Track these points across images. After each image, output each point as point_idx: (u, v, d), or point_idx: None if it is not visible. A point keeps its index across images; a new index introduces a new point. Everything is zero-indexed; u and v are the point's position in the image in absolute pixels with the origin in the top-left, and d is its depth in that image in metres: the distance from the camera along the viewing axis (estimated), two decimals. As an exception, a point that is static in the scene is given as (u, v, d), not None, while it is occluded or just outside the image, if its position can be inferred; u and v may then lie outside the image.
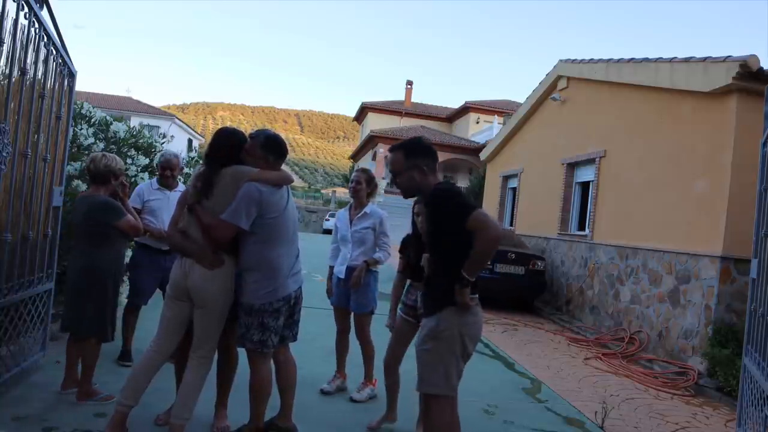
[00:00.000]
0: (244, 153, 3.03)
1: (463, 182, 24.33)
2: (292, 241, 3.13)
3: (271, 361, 3.16)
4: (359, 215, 4.29)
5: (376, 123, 33.66)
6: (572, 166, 10.17)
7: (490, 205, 14.24)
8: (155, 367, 3.05)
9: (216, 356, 3.22)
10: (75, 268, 3.57)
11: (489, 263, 8.53)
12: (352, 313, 4.27)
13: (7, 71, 3.12)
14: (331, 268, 4.48)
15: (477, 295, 2.65)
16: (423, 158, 2.71)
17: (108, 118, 6.69)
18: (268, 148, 3.04)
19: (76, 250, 3.62)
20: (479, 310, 2.68)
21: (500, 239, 2.46)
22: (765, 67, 5.97)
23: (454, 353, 2.59)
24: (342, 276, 4.28)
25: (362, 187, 4.28)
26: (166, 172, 4.49)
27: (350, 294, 4.19)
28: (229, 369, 3.39)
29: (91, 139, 5.94)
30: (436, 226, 2.61)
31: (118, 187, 3.67)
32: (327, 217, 31.39)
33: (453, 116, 34.46)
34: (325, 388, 4.25)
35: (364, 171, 4.39)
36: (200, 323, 3.02)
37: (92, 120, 6.32)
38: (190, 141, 34.23)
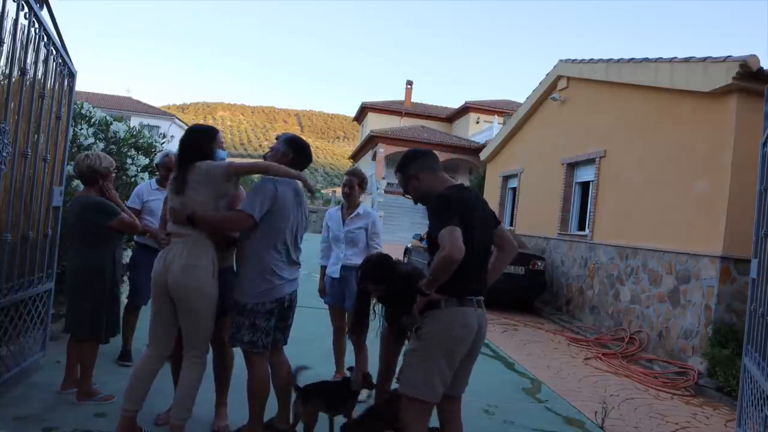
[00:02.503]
0: (270, 152, 3.18)
1: (463, 182, 24.21)
2: (294, 246, 3.12)
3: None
4: (352, 216, 4.31)
5: (376, 123, 33.59)
6: (572, 166, 10.17)
7: (490, 205, 14.20)
8: (153, 371, 3.02)
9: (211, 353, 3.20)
10: (71, 268, 3.58)
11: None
12: (347, 313, 4.27)
13: (7, 71, 3.12)
14: (323, 267, 4.48)
15: (476, 297, 2.64)
16: (413, 165, 2.80)
17: (108, 118, 6.70)
18: (289, 143, 3.18)
19: (71, 250, 3.63)
20: (473, 312, 2.59)
21: (452, 261, 2.38)
22: (765, 67, 5.97)
23: (436, 358, 2.53)
24: (336, 276, 4.29)
25: (355, 191, 4.32)
26: (171, 172, 4.49)
27: (345, 293, 4.20)
28: (225, 366, 3.38)
29: (91, 139, 5.94)
30: (431, 231, 2.63)
31: (104, 187, 3.62)
32: None
33: (453, 116, 34.39)
34: (325, 389, 4.25)
35: (355, 174, 4.38)
36: (186, 323, 2.97)
37: (92, 120, 6.33)
38: (190, 141, 34.11)
